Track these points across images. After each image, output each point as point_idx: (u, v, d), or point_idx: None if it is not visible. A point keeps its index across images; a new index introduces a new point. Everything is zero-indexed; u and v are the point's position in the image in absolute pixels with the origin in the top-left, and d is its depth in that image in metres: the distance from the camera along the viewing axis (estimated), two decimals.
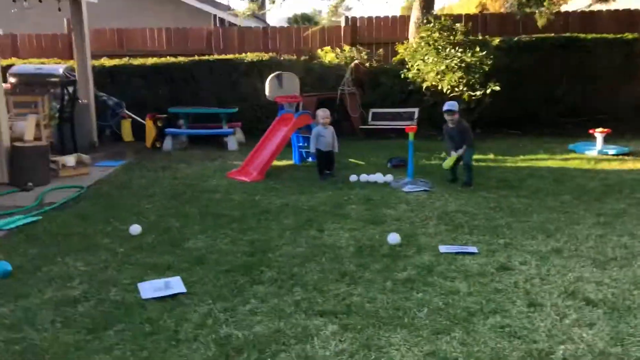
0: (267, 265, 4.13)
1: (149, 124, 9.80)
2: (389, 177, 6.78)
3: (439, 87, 9.54)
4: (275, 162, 7.86)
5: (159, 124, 9.76)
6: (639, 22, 12.31)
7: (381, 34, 12.48)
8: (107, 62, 10.96)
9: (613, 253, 4.15)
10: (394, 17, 12.70)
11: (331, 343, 3.00)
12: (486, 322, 3.16)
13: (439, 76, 9.45)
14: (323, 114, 7.17)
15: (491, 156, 8.07)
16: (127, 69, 10.70)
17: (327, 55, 11.40)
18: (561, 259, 4.08)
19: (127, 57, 11.46)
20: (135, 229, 4.94)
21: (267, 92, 9.36)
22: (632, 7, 12.58)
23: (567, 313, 3.24)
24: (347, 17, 12.63)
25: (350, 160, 8.05)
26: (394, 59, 11.09)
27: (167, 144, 9.62)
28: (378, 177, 6.79)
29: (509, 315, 3.24)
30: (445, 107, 6.46)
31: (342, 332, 3.11)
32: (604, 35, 11.07)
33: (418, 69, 9.83)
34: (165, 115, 9.96)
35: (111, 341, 3.07)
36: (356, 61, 10.82)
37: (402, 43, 10.76)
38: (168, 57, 11.28)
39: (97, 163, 8.16)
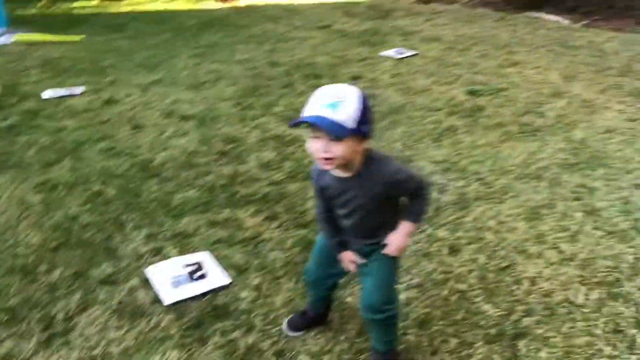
0: None
1: None
2: None
3: None
4: None
5: None
6: None
7: None
8: None
9: (205, 77, 4.77)
10: None
11: None
12: (94, 148, 3.41)
13: None
14: None
15: (95, 3, 7.85)
16: None
17: None
18: (161, 87, 4.51)
19: None
20: None
21: None
22: None
23: (165, 129, 3.72)
24: None
25: None
26: None
27: None
28: None
29: (116, 139, 3.55)
30: None
31: None
32: None
33: None
34: None
35: None
36: None
37: None
38: None
39: None
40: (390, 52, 5.44)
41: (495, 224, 2.63)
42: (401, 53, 5.40)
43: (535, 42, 5.83)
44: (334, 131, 1.45)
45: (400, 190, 1.64)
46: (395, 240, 1.69)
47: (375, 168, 1.58)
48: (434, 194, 2.88)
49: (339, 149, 1.48)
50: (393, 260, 1.74)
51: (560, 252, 2.41)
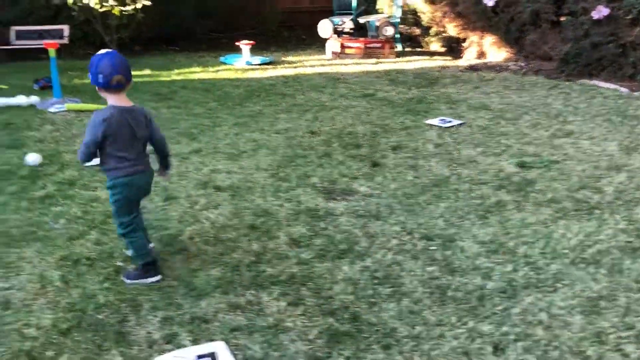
0: None
1: None
2: (34, 99, 6.27)
3: (86, 2, 8.99)
4: None
5: None
6: None
7: None
8: None
9: (245, 147, 4.71)
10: None
11: None
12: None
13: None
14: None
15: (147, 72, 8.09)
16: None
17: None
18: (200, 157, 4.45)
19: None
20: None
21: None
22: None
23: (198, 201, 3.61)
24: None
25: None
26: None
27: None
28: (20, 99, 6.22)
29: (147, 211, 3.45)
30: None
31: None
32: None
33: None
34: None
35: None
36: None
37: None
38: None
39: None
40: (435, 121, 5.26)
41: (546, 318, 2.33)
42: (446, 122, 5.22)
43: (591, 111, 5.55)
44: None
45: None
46: None
47: None
48: (478, 280, 2.62)
49: None
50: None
51: (625, 355, 2.09)
